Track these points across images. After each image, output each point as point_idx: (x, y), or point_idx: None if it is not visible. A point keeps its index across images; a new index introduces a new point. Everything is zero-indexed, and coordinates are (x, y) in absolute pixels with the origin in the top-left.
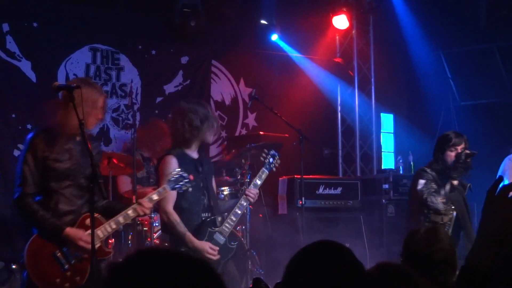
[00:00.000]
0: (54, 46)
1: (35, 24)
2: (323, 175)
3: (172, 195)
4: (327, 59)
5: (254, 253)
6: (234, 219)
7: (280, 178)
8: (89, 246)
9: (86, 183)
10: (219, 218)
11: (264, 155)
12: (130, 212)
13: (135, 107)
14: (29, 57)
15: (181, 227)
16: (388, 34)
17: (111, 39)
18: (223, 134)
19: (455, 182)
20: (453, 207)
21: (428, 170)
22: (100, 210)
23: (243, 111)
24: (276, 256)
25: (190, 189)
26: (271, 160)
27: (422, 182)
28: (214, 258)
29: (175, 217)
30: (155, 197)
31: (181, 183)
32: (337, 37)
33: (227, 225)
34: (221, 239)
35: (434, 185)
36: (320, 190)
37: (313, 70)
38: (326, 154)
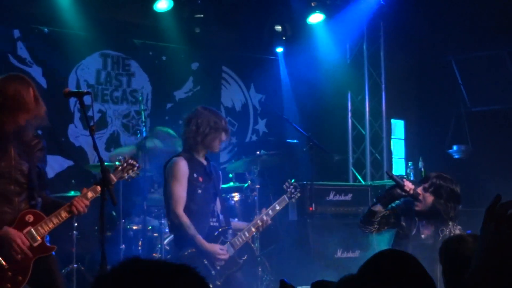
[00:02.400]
0: (65, 52)
1: (46, 30)
2: (334, 181)
3: (182, 198)
4: (337, 65)
5: (264, 259)
6: (247, 235)
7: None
8: (24, 247)
9: (24, 180)
10: (230, 231)
11: (287, 184)
12: (62, 212)
13: (145, 113)
14: (40, 63)
15: (191, 229)
16: (398, 40)
17: (121, 45)
18: (234, 140)
19: None
20: None
21: None
22: (40, 207)
23: (253, 117)
24: (286, 262)
25: (200, 191)
26: (293, 190)
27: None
28: (225, 257)
29: (185, 219)
30: (99, 188)
31: (131, 171)
32: (347, 44)
33: (239, 239)
34: (231, 250)
35: None
36: (331, 196)
37: (323, 76)
38: (336, 160)
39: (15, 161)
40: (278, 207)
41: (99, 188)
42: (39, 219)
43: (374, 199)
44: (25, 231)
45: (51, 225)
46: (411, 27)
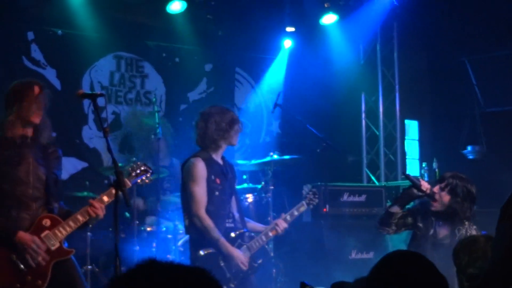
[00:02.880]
0: (78, 54)
1: (59, 32)
2: (347, 182)
3: (203, 199)
4: (351, 66)
5: (278, 261)
6: (265, 239)
7: (304, 185)
8: (40, 251)
9: (41, 185)
10: (247, 233)
11: (306, 189)
12: (79, 215)
13: (159, 114)
14: (54, 65)
15: (215, 232)
16: (412, 41)
17: (135, 47)
18: (247, 141)
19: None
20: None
21: None
22: (57, 213)
23: (267, 118)
24: (301, 263)
25: (217, 193)
26: (312, 196)
27: None
28: (244, 268)
29: (208, 222)
30: (113, 191)
31: (143, 176)
32: (361, 44)
33: (256, 243)
34: (247, 253)
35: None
36: (344, 197)
37: (337, 77)
38: (350, 161)
39: (33, 166)
40: (296, 213)
41: (114, 191)
42: (56, 223)
43: (391, 201)
44: (42, 235)
45: (68, 229)
46: (425, 28)
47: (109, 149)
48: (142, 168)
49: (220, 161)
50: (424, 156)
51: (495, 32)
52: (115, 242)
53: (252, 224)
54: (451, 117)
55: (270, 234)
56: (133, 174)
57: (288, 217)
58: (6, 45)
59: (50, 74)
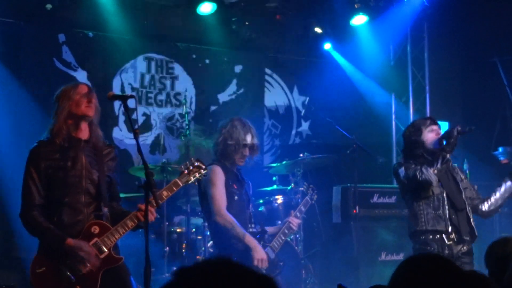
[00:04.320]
0: (109, 55)
1: (90, 34)
2: (378, 183)
3: (223, 200)
4: (381, 66)
5: (308, 262)
6: (283, 237)
7: (334, 187)
8: (88, 260)
9: (93, 190)
10: (266, 235)
11: (305, 186)
12: (128, 221)
13: (189, 116)
14: (85, 67)
15: (239, 228)
16: (443, 41)
17: (165, 48)
18: (277, 142)
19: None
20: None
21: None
22: (108, 217)
23: (296, 119)
24: (330, 265)
25: (236, 197)
26: (311, 191)
27: (401, 170)
28: (265, 264)
29: (232, 218)
30: (165, 193)
31: (197, 174)
32: (391, 45)
33: (277, 242)
34: (271, 254)
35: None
36: (375, 199)
37: (367, 78)
38: (380, 163)
39: (86, 170)
40: (303, 208)
41: (165, 193)
42: (105, 230)
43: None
44: (91, 243)
45: (117, 236)
46: (455, 28)
47: (139, 151)
48: (196, 164)
49: (234, 169)
50: (454, 157)
51: None
52: (145, 243)
53: (268, 228)
54: (482, 118)
55: (287, 231)
56: (185, 172)
57: (298, 213)
58: (38, 47)
59: (81, 76)
